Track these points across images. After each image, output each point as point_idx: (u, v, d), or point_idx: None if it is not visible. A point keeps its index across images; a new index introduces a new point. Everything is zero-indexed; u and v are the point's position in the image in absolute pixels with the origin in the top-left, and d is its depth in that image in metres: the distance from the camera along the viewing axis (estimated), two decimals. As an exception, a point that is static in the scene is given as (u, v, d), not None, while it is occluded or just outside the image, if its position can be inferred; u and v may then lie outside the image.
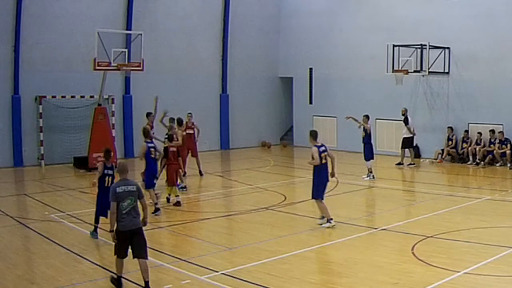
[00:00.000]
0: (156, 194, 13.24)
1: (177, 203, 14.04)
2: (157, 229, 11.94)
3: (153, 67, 22.49)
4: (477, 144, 20.65)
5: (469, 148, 20.80)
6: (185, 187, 15.90)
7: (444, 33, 21.19)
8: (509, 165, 19.69)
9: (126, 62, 19.92)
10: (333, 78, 25.60)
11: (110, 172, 10.69)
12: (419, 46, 20.61)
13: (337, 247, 10.36)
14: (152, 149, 13.34)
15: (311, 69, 26.65)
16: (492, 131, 20.23)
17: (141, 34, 20.43)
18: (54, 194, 15.61)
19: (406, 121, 21.25)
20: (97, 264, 9.41)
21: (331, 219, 11.80)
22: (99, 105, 20.69)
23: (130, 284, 8.36)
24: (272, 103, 28.19)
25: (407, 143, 21.21)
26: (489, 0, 20.46)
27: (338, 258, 9.67)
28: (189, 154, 18.07)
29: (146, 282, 8.06)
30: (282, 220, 12.58)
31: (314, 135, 12.04)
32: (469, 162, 20.70)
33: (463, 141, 21.15)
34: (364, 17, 24.39)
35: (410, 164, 20.88)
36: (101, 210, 10.81)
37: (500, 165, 20.02)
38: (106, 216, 10.00)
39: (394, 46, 20.81)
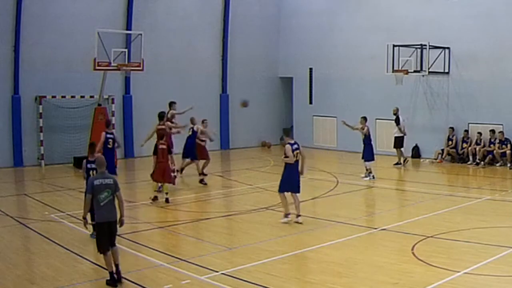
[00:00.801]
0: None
1: (166, 201, 14.37)
2: (157, 229, 11.95)
3: (153, 67, 22.48)
4: (477, 144, 20.66)
5: (469, 148, 20.81)
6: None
7: (444, 33, 21.20)
8: (509, 165, 19.69)
9: (126, 62, 19.94)
10: (333, 78, 25.59)
11: (93, 166, 10.55)
12: (419, 46, 20.62)
13: (337, 247, 10.36)
14: (110, 140, 13.95)
15: (311, 69, 26.66)
16: (492, 131, 20.24)
17: (141, 34, 20.44)
18: (54, 194, 15.61)
19: (397, 121, 21.37)
20: (97, 264, 9.39)
21: (289, 214, 12.17)
22: (99, 105, 20.70)
23: (130, 284, 8.36)
24: (272, 103, 28.18)
25: (398, 142, 21.29)
26: (489, 0, 20.47)
27: (338, 258, 9.66)
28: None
29: (117, 265, 8.47)
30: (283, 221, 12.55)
31: (287, 132, 12.51)
32: (469, 162, 20.71)
33: (463, 141, 21.16)
34: (364, 17, 24.39)
35: (397, 163, 20.96)
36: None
37: (500, 165, 20.02)
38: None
39: (394, 46, 20.82)
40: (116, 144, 14.18)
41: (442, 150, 21.60)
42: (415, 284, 8.20)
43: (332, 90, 25.70)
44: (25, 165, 20.75)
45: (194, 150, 17.35)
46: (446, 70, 21.52)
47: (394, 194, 15.87)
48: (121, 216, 8.69)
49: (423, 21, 21.93)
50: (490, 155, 20.21)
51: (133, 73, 21.01)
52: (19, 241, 11.21)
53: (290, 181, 12.23)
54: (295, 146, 12.15)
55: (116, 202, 8.61)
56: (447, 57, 21.42)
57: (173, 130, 16.65)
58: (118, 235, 11.00)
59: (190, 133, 17.48)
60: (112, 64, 19.37)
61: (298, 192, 12.40)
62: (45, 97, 20.91)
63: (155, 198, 14.51)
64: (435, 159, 21.68)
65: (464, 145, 21.09)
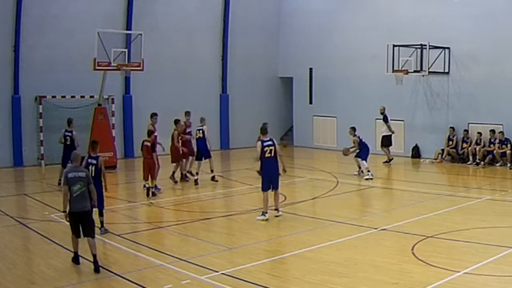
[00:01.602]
0: None
1: (152, 194, 15.09)
2: (157, 229, 11.95)
3: (153, 67, 22.46)
4: (477, 144, 20.65)
5: (469, 148, 20.80)
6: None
7: (444, 33, 21.19)
8: (509, 165, 19.69)
9: (126, 62, 19.93)
10: (333, 78, 25.59)
11: (93, 161, 10.99)
12: (419, 46, 20.61)
13: (337, 247, 10.36)
14: (67, 137, 16.48)
15: (311, 69, 26.65)
16: (493, 131, 20.23)
17: (141, 34, 20.43)
18: (54, 194, 15.58)
19: (386, 119, 21.48)
20: (97, 264, 9.40)
21: (266, 212, 12.42)
22: (99, 105, 20.70)
23: (130, 284, 8.36)
24: (272, 103, 28.17)
25: (387, 141, 21.36)
26: (489, 0, 20.46)
27: (338, 258, 9.66)
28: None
29: (94, 255, 9.03)
30: (282, 220, 12.57)
31: (262, 130, 12.97)
32: (469, 162, 20.70)
33: (463, 141, 21.16)
34: (364, 17, 24.38)
35: (386, 161, 21.05)
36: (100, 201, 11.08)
37: (500, 165, 20.02)
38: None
39: (394, 46, 20.80)
40: (76, 143, 16.02)
41: (442, 150, 21.59)
42: (415, 284, 8.20)
43: (332, 90, 25.70)
44: (25, 165, 20.75)
45: (207, 149, 17.45)
46: (446, 70, 21.51)
47: (394, 194, 15.87)
48: (93, 202, 9.39)
49: (423, 21, 21.92)
50: (490, 155, 20.21)
51: (133, 73, 20.99)
52: (19, 241, 11.21)
53: (269, 178, 12.54)
54: (268, 142, 12.51)
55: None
56: (447, 57, 21.41)
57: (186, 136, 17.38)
58: (118, 235, 11.12)
59: (201, 135, 17.46)
60: (112, 64, 19.37)
61: (277, 188, 12.70)
62: (45, 97, 20.92)
63: (152, 194, 15.18)
64: (435, 159, 21.67)
65: (464, 145, 21.08)
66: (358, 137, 18.22)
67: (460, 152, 21.21)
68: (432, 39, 20.52)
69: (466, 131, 21.14)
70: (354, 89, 24.57)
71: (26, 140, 20.86)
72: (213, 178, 17.64)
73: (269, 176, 12.54)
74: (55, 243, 10.58)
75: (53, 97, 21.07)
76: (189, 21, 24.99)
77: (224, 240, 11.22)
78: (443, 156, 21.47)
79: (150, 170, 15.11)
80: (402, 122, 23.20)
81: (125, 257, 9.92)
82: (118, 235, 11.18)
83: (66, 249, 10.24)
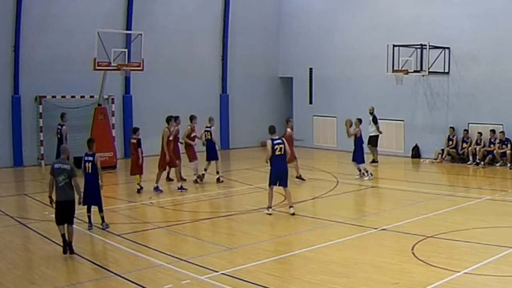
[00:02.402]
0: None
1: (138, 191, 15.64)
2: (157, 229, 11.95)
3: (153, 67, 22.45)
4: (477, 144, 20.65)
5: (469, 148, 20.80)
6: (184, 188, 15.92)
7: (444, 33, 21.19)
8: (509, 165, 19.69)
9: (126, 62, 19.93)
10: (333, 78, 25.59)
11: (90, 158, 11.46)
12: (419, 46, 20.61)
13: (337, 247, 10.36)
14: (58, 130, 18.43)
15: (311, 69, 26.65)
16: (493, 131, 20.23)
17: (141, 34, 20.43)
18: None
19: (375, 120, 21.48)
20: (97, 264, 9.41)
21: (270, 207, 12.78)
22: (99, 105, 20.70)
23: (130, 284, 8.36)
24: (272, 103, 28.16)
25: (374, 141, 21.37)
26: (489, 0, 20.46)
27: (338, 258, 9.66)
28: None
29: (70, 242, 9.82)
30: (282, 220, 12.57)
31: (271, 129, 13.16)
32: (469, 162, 20.70)
33: (463, 141, 21.16)
34: (364, 17, 24.38)
35: (373, 161, 21.12)
36: (85, 198, 11.17)
37: (500, 165, 20.02)
38: (90, 204, 11.50)
39: (394, 46, 20.80)
40: (64, 138, 18.02)
41: (442, 150, 21.59)
42: (415, 284, 8.20)
43: (332, 90, 25.69)
44: (25, 165, 20.75)
45: (216, 151, 17.59)
46: (446, 70, 21.51)
47: (394, 194, 15.87)
48: (79, 197, 10.17)
49: (423, 21, 21.92)
50: (490, 155, 20.21)
51: (133, 73, 20.99)
52: (19, 241, 11.21)
53: (278, 176, 12.80)
54: (278, 141, 12.82)
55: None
56: (447, 57, 21.40)
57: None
58: (118, 235, 11.13)
59: (209, 136, 17.48)
60: (112, 64, 19.36)
61: (286, 186, 12.98)
62: (45, 97, 20.91)
63: (138, 191, 15.71)
64: (435, 159, 21.67)
65: (464, 145, 21.08)
66: (360, 132, 17.97)
67: (460, 152, 21.21)
68: (432, 39, 20.52)
69: (466, 131, 21.14)
70: (354, 89, 24.56)
71: (26, 140, 20.85)
72: (218, 180, 17.58)
73: (278, 173, 12.80)
74: (55, 243, 10.57)
75: (53, 97, 21.06)
76: (189, 21, 24.99)
77: (224, 240, 11.22)
78: (443, 156, 21.47)
79: (137, 166, 15.72)
80: (402, 122, 23.21)
81: (125, 257, 9.92)
82: (118, 235, 11.18)
83: (66, 249, 10.25)
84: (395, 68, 20.86)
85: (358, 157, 17.82)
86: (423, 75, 21.49)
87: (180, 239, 11.36)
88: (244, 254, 10.00)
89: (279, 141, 12.82)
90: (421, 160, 22.34)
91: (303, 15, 26.81)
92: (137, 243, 10.67)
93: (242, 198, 15.64)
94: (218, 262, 9.43)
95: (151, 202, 14.59)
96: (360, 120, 18.21)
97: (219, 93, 26.51)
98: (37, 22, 20.73)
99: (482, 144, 20.49)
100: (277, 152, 12.71)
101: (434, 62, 20.71)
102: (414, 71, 20.80)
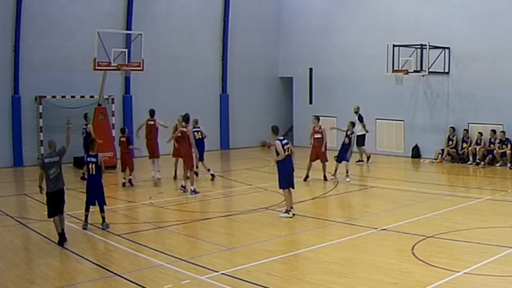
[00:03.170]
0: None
1: (123, 184, 16.61)
2: (157, 229, 11.95)
3: (153, 67, 22.46)
4: (477, 144, 20.65)
5: (469, 148, 20.80)
6: (195, 191, 15.70)
7: (444, 33, 21.19)
8: (509, 165, 19.69)
9: (126, 62, 19.93)
10: (333, 78, 25.59)
11: (93, 159, 11.61)
12: (419, 46, 20.61)
13: (337, 247, 10.35)
14: (83, 130, 18.62)
15: (311, 69, 26.65)
16: (493, 131, 20.23)
17: (141, 34, 20.44)
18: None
19: (361, 119, 21.57)
20: (97, 264, 9.40)
21: (290, 210, 12.61)
22: (99, 105, 20.69)
23: (130, 284, 8.36)
24: (272, 103, 28.17)
25: (361, 140, 21.48)
26: (489, 0, 20.46)
27: (338, 258, 9.66)
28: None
29: (62, 229, 10.43)
30: (282, 220, 12.56)
31: (275, 130, 12.99)
32: (469, 162, 20.70)
33: (463, 141, 21.16)
34: (364, 17, 24.38)
35: (360, 160, 21.29)
36: (89, 198, 11.62)
37: (500, 165, 20.02)
38: (94, 204, 11.67)
39: (394, 46, 20.81)
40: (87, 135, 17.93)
41: (442, 150, 21.59)
42: (415, 284, 8.20)
43: (332, 90, 25.70)
44: (25, 165, 20.75)
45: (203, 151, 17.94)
46: (446, 70, 21.51)
47: (394, 194, 15.86)
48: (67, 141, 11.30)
49: (423, 21, 21.92)
50: (490, 155, 20.20)
51: (133, 73, 21.00)
52: (19, 241, 11.20)
53: (289, 176, 12.71)
54: (285, 141, 12.69)
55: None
56: (447, 57, 21.40)
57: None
58: (118, 235, 11.14)
59: (200, 136, 17.80)
60: (112, 64, 19.37)
61: (293, 187, 12.89)
62: (45, 97, 20.92)
63: (123, 184, 16.72)
64: (435, 159, 21.67)
65: (464, 145, 21.08)
66: (352, 134, 17.99)
67: (460, 152, 21.21)
68: (432, 39, 20.52)
69: (466, 130, 21.14)
70: (354, 89, 24.55)
71: (26, 140, 20.85)
72: (213, 177, 17.76)
73: (288, 174, 12.72)
74: (55, 243, 10.58)
75: (53, 97, 21.07)
76: (189, 21, 24.99)
77: (224, 240, 11.22)
78: (443, 156, 21.47)
79: (128, 163, 16.71)
80: (402, 122, 23.21)
81: (125, 257, 9.92)
82: (118, 235, 11.18)
83: (66, 249, 10.26)
84: (395, 68, 20.87)
85: (343, 156, 17.77)
86: (423, 75, 21.49)
87: (180, 239, 11.36)
88: (244, 254, 10.00)
89: (286, 141, 12.75)
90: (421, 160, 22.34)
91: (303, 15, 26.81)
92: (137, 243, 10.67)
93: (242, 198, 15.64)
94: (218, 262, 9.43)
95: (151, 202, 14.58)
96: (353, 124, 18.29)
97: (219, 93, 26.51)
98: (37, 22, 20.74)
99: (482, 144, 20.49)
100: (286, 153, 12.59)
101: (434, 62, 20.70)
102: (414, 71, 20.80)
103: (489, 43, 20.41)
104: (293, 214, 12.66)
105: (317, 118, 18.08)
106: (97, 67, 19.21)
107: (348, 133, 17.86)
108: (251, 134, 27.21)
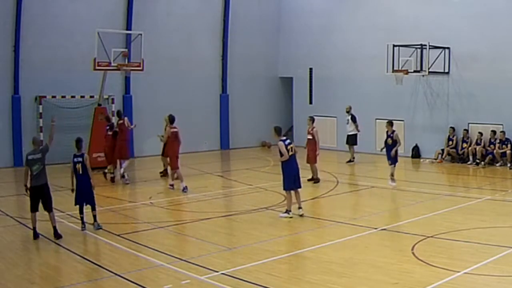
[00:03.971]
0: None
1: (112, 179, 17.15)
2: (157, 229, 11.95)
3: (153, 67, 22.46)
4: (477, 144, 20.65)
5: (469, 148, 20.80)
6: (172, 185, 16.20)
7: (444, 33, 21.18)
8: (509, 165, 19.69)
9: (126, 62, 19.92)
10: (333, 78, 25.59)
11: (79, 159, 11.54)
12: (419, 46, 20.61)
13: (337, 247, 10.36)
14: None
15: (311, 69, 26.65)
16: (494, 132, 20.24)
17: (141, 34, 20.42)
18: (54, 194, 15.35)
19: (354, 119, 21.74)
20: (97, 264, 9.40)
21: (290, 210, 12.55)
22: (99, 105, 20.68)
23: (130, 284, 8.36)
24: (272, 103, 28.17)
25: (353, 140, 21.75)
26: (489, 0, 20.46)
27: (338, 258, 9.66)
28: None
29: (54, 227, 10.83)
30: (282, 220, 12.56)
31: (278, 130, 12.86)
32: (469, 162, 20.70)
33: (463, 141, 21.16)
34: (364, 17, 24.38)
35: (350, 161, 21.41)
36: (77, 198, 11.64)
37: (500, 165, 20.02)
38: (82, 204, 11.63)
39: (394, 46, 20.80)
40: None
41: (442, 150, 21.59)
42: (415, 284, 8.20)
43: (332, 90, 25.69)
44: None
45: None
46: (446, 70, 21.51)
47: (394, 194, 15.87)
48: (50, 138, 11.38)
49: (423, 21, 21.92)
50: (490, 155, 20.20)
51: (133, 73, 20.99)
52: (19, 241, 11.20)
53: (293, 178, 12.64)
54: (288, 141, 12.63)
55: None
56: (447, 57, 21.40)
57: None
58: (118, 235, 11.13)
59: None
60: (112, 64, 19.36)
61: (300, 187, 12.85)
62: (45, 97, 20.92)
63: (111, 179, 17.23)
64: (435, 159, 21.67)
65: (464, 145, 21.08)
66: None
67: (460, 152, 21.21)
68: (432, 39, 20.51)
69: (466, 130, 21.14)
70: (354, 89, 24.55)
71: (26, 140, 20.77)
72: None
73: (293, 174, 12.64)
74: (55, 243, 10.59)
75: (53, 97, 21.06)
76: (189, 21, 24.98)
77: (224, 240, 11.22)
78: (443, 156, 21.47)
79: (107, 157, 17.54)
80: (402, 122, 23.20)
81: (125, 257, 9.92)
82: (118, 235, 11.18)
83: (66, 249, 10.26)
84: (395, 68, 20.86)
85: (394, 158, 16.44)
86: (423, 75, 21.49)
87: (180, 239, 11.37)
88: (244, 254, 10.00)
89: (289, 141, 12.70)
90: (421, 160, 22.34)
91: (303, 15, 26.81)
92: (137, 243, 10.67)
93: (242, 198, 15.64)
94: (218, 262, 9.43)
95: (151, 202, 14.58)
96: (391, 123, 16.54)
97: (219, 93, 26.50)
98: (37, 22, 20.72)
99: (482, 144, 20.49)
100: (290, 153, 12.53)
101: (434, 62, 20.70)
102: (414, 71, 20.80)
103: (489, 43, 20.41)
104: (301, 214, 12.60)
105: (311, 119, 17.85)
106: (97, 67, 19.19)
107: (389, 133, 16.47)
108: (251, 134, 27.21)
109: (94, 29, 19.10)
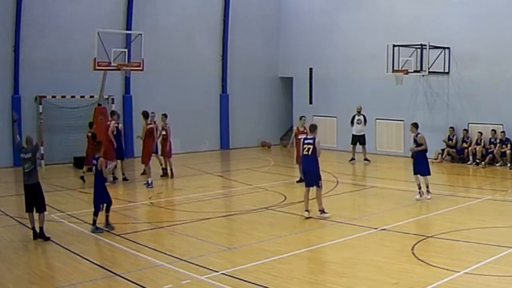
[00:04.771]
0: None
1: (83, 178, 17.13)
2: (157, 229, 11.95)
3: (153, 67, 22.45)
4: (477, 144, 20.65)
5: (469, 148, 20.80)
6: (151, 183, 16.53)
7: (444, 33, 21.19)
8: (509, 165, 19.69)
9: (126, 62, 19.93)
10: (333, 78, 25.58)
11: (94, 162, 11.69)
12: (419, 46, 20.61)
13: (337, 247, 10.36)
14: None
15: (311, 69, 26.65)
16: (494, 131, 20.23)
17: (141, 34, 20.43)
18: (54, 194, 15.58)
19: (365, 119, 22.01)
20: (97, 264, 9.40)
21: (306, 210, 12.56)
22: (99, 105, 20.69)
23: (130, 284, 8.36)
24: (272, 103, 28.17)
25: (364, 139, 21.96)
26: (489, 0, 20.46)
27: (338, 258, 9.66)
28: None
29: (41, 228, 10.80)
30: (282, 220, 12.57)
31: (311, 127, 13.19)
32: (469, 162, 20.70)
33: (463, 141, 21.15)
34: (364, 17, 24.38)
35: (366, 159, 21.60)
36: (95, 200, 11.57)
37: (500, 165, 20.02)
38: (100, 208, 11.45)
39: (394, 46, 20.80)
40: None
41: (442, 150, 21.59)
42: (415, 284, 8.20)
43: (332, 90, 25.69)
44: (25, 165, 20.71)
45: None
46: (446, 70, 21.51)
47: (394, 194, 15.87)
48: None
49: (423, 21, 21.92)
50: (490, 155, 20.20)
51: (133, 73, 21.00)
52: (19, 241, 11.19)
53: (304, 176, 12.98)
54: (308, 140, 12.78)
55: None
56: (447, 57, 21.40)
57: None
58: (118, 235, 11.13)
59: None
60: (112, 64, 19.37)
61: (309, 185, 12.73)
62: (45, 97, 20.90)
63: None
64: (435, 159, 21.65)
65: (464, 145, 21.08)
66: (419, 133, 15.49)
67: (458, 148, 21.20)
68: (432, 39, 20.52)
69: (466, 130, 21.14)
70: (354, 89, 24.55)
71: (26, 140, 20.82)
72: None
73: (303, 172, 13.01)
74: (55, 243, 10.59)
75: (53, 97, 21.05)
76: (189, 21, 24.99)
77: (224, 240, 11.23)
78: (443, 156, 21.47)
79: (87, 157, 17.45)
80: (402, 122, 23.19)
81: (125, 257, 9.92)
82: (118, 235, 11.18)
83: (66, 249, 10.26)
84: (395, 68, 20.87)
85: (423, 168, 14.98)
86: (423, 75, 21.49)
87: (180, 239, 11.36)
88: (244, 254, 10.00)
89: (309, 141, 12.73)
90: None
91: (303, 15, 26.81)
92: (137, 243, 10.67)
93: (242, 198, 15.64)
94: (218, 262, 9.43)
95: (151, 202, 14.58)
96: (416, 125, 15.63)
97: (219, 93, 26.50)
98: (37, 22, 20.72)
99: (482, 144, 20.49)
100: (305, 152, 12.65)
101: (434, 62, 20.71)
102: (414, 71, 20.80)
103: (489, 43, 20.40)
104: (306, 218, 12.48)
105: (303, 118, 17.88)
106: (97, 67, 19.20)
107: (413, 135, 15.60)
108: (251, 134, 27.21)
109: (94, 29, 19.11)
